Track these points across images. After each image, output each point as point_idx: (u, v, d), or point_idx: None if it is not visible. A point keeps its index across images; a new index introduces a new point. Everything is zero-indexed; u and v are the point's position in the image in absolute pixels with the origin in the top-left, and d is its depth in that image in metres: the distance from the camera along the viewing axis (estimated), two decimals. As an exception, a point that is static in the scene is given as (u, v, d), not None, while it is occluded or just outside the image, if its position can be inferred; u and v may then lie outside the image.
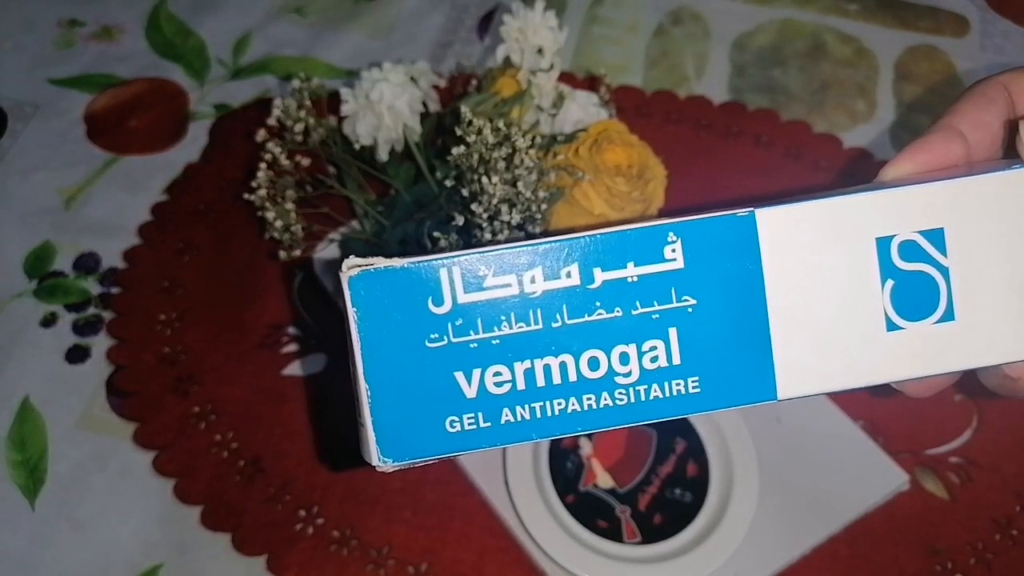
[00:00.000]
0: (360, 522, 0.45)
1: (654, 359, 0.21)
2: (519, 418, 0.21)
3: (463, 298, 0.21)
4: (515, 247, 0.21)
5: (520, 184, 0.41)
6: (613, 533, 0.43)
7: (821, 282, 0.22)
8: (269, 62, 0.62)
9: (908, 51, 0.63)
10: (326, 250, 0.52)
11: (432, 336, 0.21)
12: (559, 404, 0.21)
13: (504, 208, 0.42)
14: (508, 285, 0.21)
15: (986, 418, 0.47)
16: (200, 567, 0.44)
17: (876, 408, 0.47)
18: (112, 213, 0.55)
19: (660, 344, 0.21)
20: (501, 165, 0.41)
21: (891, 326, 0.22)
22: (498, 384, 0.21)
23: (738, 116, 0.59)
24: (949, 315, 0.22)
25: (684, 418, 0.45)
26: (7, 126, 0.59)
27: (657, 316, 0.21)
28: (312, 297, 0.51)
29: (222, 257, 0.53)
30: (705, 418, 0.46)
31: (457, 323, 0.21)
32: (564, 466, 0.45)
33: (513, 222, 0.42)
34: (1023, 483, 0.46)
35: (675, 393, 0.22)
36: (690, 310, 0.21)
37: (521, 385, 0.21)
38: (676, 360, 0.21)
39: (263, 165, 0.47)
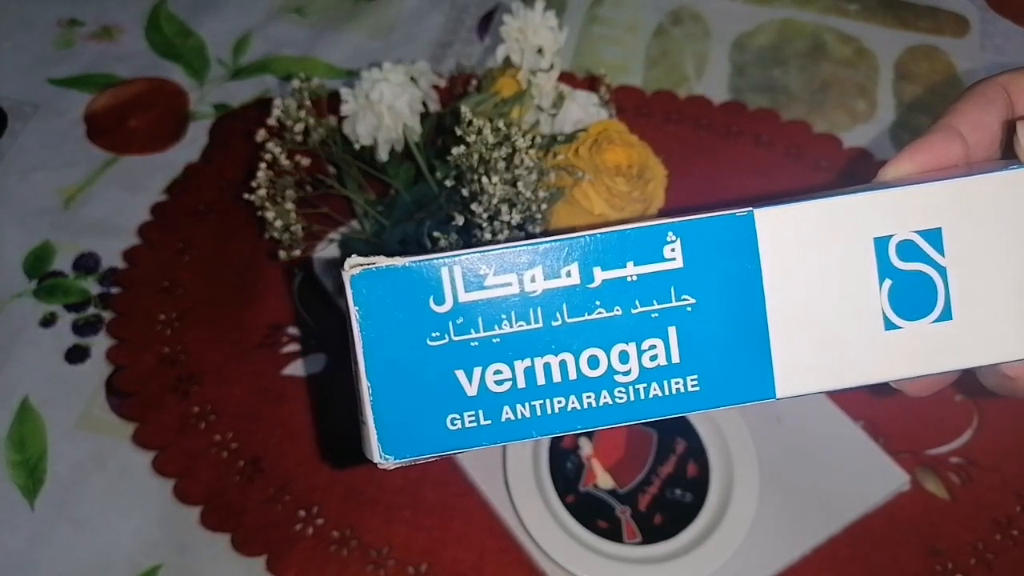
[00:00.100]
0: (360, 522, 0.45)
1: (653, 358, 0.22)
2: (519, 416, 0.22)
3: (464, 297, 0.21)
4: (515, 246, 0.21)
5: (520, 184, 0.41)
6: (613, 533, 0.43)
7: (819, 281, 0.22)
8: (269, 62, 0.62)
9: (908, 51, 0.63)
10: (326, 250, 0.52)
11: (433, 334, 0.21)
12: (559, 402, 0.22)
13: (504, 208, 0.41)
14: (509, 284, 0.21)
15: (986, 418, 0.47)
16: (200, 567, 0.43)
17: (876, 408, 0.47)
18: (112, 213, 0.55)
19: (659, 343, 0.22)
20: (501, 165, 0.41)
21: (889, 325, 0.22)
22: (499, 382, 0.21)
23: (738, 116, 0.59)
24: (947, 314, 0.22)
25: (684, 418, 0.46)
26: (7, 126, 0.59)
27: (656, 315, 0.21)
28: (312, 297, 0.51)
29: (222, 257, 0.53)
30: (705, 418, 0.46)
31: (458, 322, 0.21)
32: (564, 466, 0.45)
33: (513, 222, 0.42)
34: (1023, 483, 0.46)
35: (674, 391, 0.22)
36: (689, 309, 0.22)
37: (521, 383, 0.21)
38: (675, 359, 0.22)
39: (263, 165, 0.47)
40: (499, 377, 0.21)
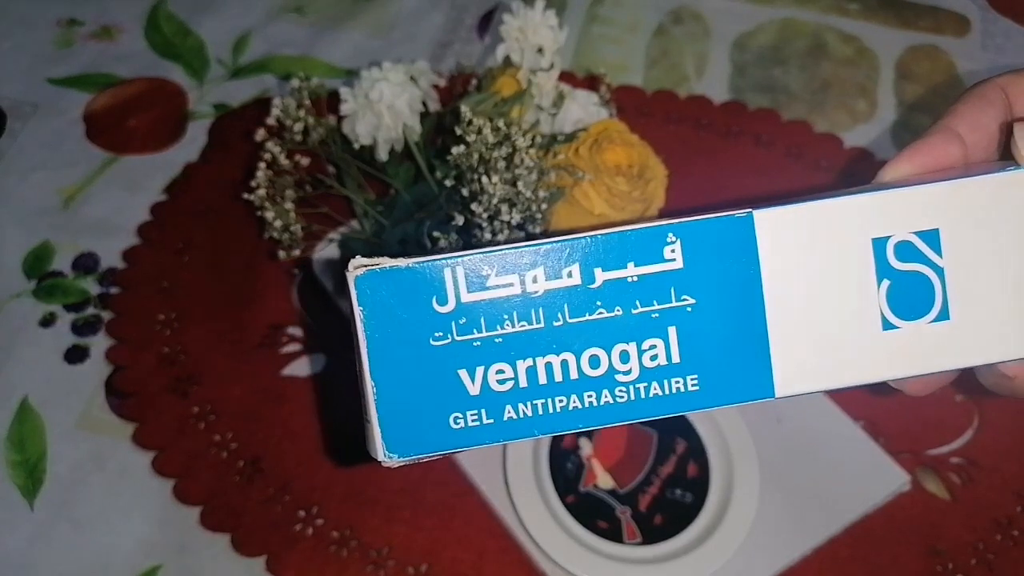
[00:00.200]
0: (360, 523, 0.44)
1: (654, 357, 0.22)
2: (521, 415, 0.22)
3: (467, 297, 0.21)
4: (517, 247, 0.21)
5: (520, 184, 0.41)
6: (613, 534, 0.43)
7: (818, 282, 0.22)
8: (268, 61, 0.62)
9: (909, 51, 0.63)
10: (326, 250, 0.52)
11: (436, 334, 0.21)
12: (560, 401, 0.22)
13: (504, 208, 0.41)
14: (511, 285, 0.21)
15: (987, 418, 0.47)
16: (199, 568, 0.43)
17: (877, 408, 0.47)
18: (111, 213, 0.55)
19: (660, 343, 0.22)
20: (501, 165, 0.41)
21: (887, 325, 0.22)
22: (501, 381, 0.22)
23: (738, 116, 0.59)
24: (944, 314, 0.22)
25: (684, 418, 0.46)
26: (6, 126, 0.59)
27: (657, 315, 0.22)
28: (312, 297, 0.51)
29: (222, 257, 0.53)
30: (706, 418, 0.46)
31: (461, 322, 0.21)
32: (564, 466, 0.45)
33: (513, 222, 0.42)
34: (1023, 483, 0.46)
35: (674, 391, 0.22)
36: (689, 309, 0.22)
37: (523, 383, 0.22)
38: (675, 358, 0.22)
39: (262, 165, 0.47)
40: (501, 376, 0.22)
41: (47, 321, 0.51)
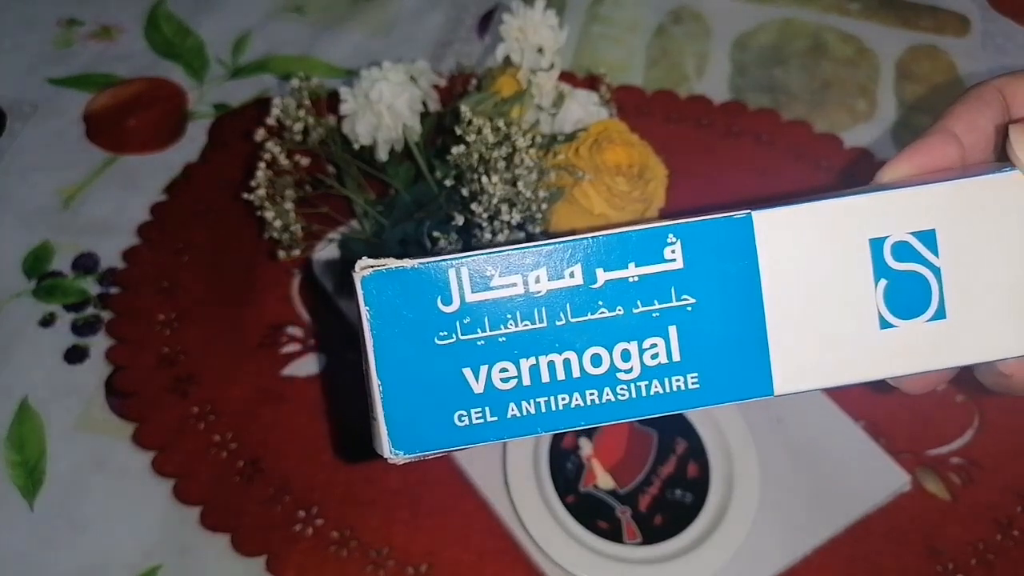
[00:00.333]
0: (360, 523, 0.44)
1: (655, 356, 0.22)
2: (524, 412, 0.22)
3: (471, 297, 0.22)
4: (521, 248, 0.22)
5: (520, 184, 0.41)
6: (613, 534, 0.43)
7: (816, 281, 0.22)
8: (268, 61, 0.62)
9: (909, 50, 0.63)
10: (325, 250, 0.52)
11: (441, 334, 0.22)
12: (563, 399, 0.22)
13: (504, 208, 0.41)
14: (514, 285, 0.22)
15: (987, 418, 0.47)
16: (199, 568, 0.43)
17: (877, 408, 0.47)
18: (111, 213, 0.55)
19: (660, 341, 0.22)
20: (501, 165, 0.41)
21: (884, 324, 0.23)
22: (504, 380, 0.22)
23: (739, 115, 0.59)
24: (941, 313, 0.23)
25: (685, 418, 0.46)
26: (6, 125, 0.59)
27: (657, 315, 0.22)
28: (312, 297, 0.51)
29: (221, 257, 0.53)
30: (706, 418, 0.46)
31: (465, 321, 0.22)
32: (564, 467, 0.45)
33: (513, 222, 0.42)
34: (1025, 483, 0.46)
35: (675, 389, 0.22)
36: (689, 309, 0.22)
37: (527, 381, 0.22)
38: (676, 357, 0.22)
39: (262, 165, 0.47)
40: (505, 375, 0.22)
41: (47, 321, 0.51)
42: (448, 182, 0.44)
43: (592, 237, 0.22)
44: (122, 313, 0.51)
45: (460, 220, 0.43)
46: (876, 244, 0.22)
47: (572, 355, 0.22)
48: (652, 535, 0.43)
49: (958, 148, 0.25)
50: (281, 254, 0.47)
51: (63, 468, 0.46)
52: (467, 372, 0.22)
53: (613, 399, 0.22)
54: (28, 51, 0.62)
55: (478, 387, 0.22)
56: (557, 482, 0.44)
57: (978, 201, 0.22)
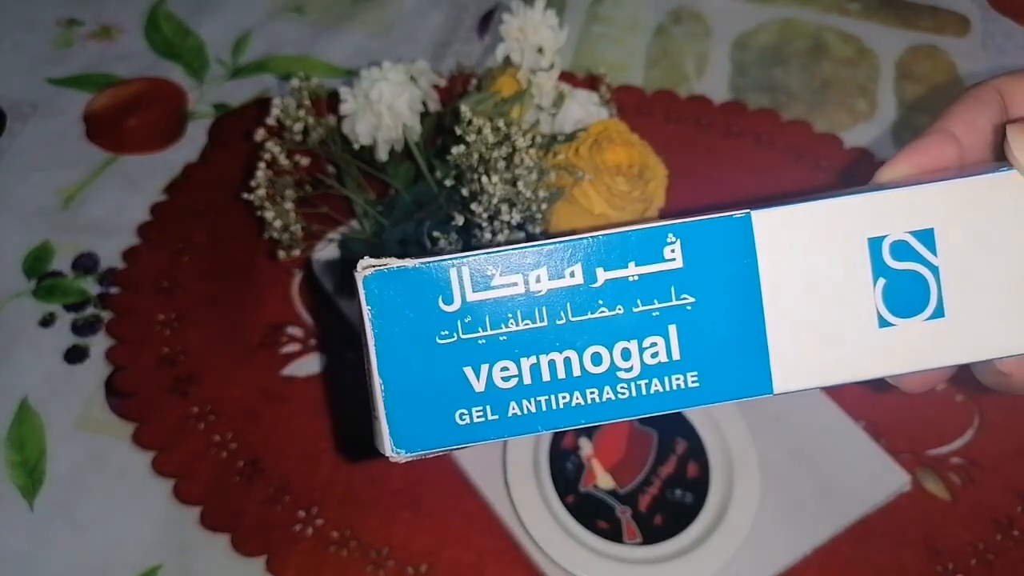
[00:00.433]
0: (359, 523, 0.44)
1: (654, 355, 0.22)
2: (525, 411, 0.22)
3: (472, 297, 0.22)
4: (521, 248, 0.22)
5: (520, 184, 0.41)
6: (613, 534, 0.43)
7: (815, 281, 0.23)
8: (268, 61, 0.62)
9: (909, 50, 0.63)
10: (326, 250, 0.52)
11: (442, 333, 0.22)
12: (563, 398, 0.22)
13: (504, 208, 0.41)
14: (515, 284, 0.22)
15: (987, 419, 0.47)
16: (199, 568, 0.43)
17: (877, 408, 0.47)
18: (111, 213, 0.55)
19: (660, 340, 0.22)
20: (501, 165, 0.41)
21: (883, 323, 0.23)
22: (505, 379, 0.22)
23: (739, 115, 0.59)
24: (939, 312, 0.23)
25: (685, 419, 0.46)
26: (6, 125, 0.59)
27: (657, 314, 0.22)
28: (312, 297, 0.51)
29: (221, 257, 0.53)
30: (706, 418, 0.46)
31: (466, 320, 0.22)
32: (564, 467, 0.45)
33: (513, 222, 0.42)
34: (1025, 483, 0.46)
35: (675, 387, 0.22)
36: (689, 308, 0.22)
37: (527, 380, 0.22)
38: (676, 356, 0.22)
39: (262, 165, 0.47)
40: (506, 374, 0.22)
41: (47, 321, 0.51)
42: (448, 182, 0.44)
43: (592, 237, 0.22)
44: (122, 313, 0.51)
45: (460, 220, 0.43)
46: (875, 243, 0.23)
47: (572, 354, 0.22)
48: (652, 535, 0.43)
49: (956, 148, 0.25)
50: (281, 254, 0.47)
51: (63, 468, 0.46)
52: (468, 371, 0.22)
53: (613, 398, 0.22)
54: (28, 51, 0.62)
55: (479, 386, 0.22)
56: (557, 482, 0.44)
57: (976, 200, 0.23)
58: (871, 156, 0.58)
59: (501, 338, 0.22)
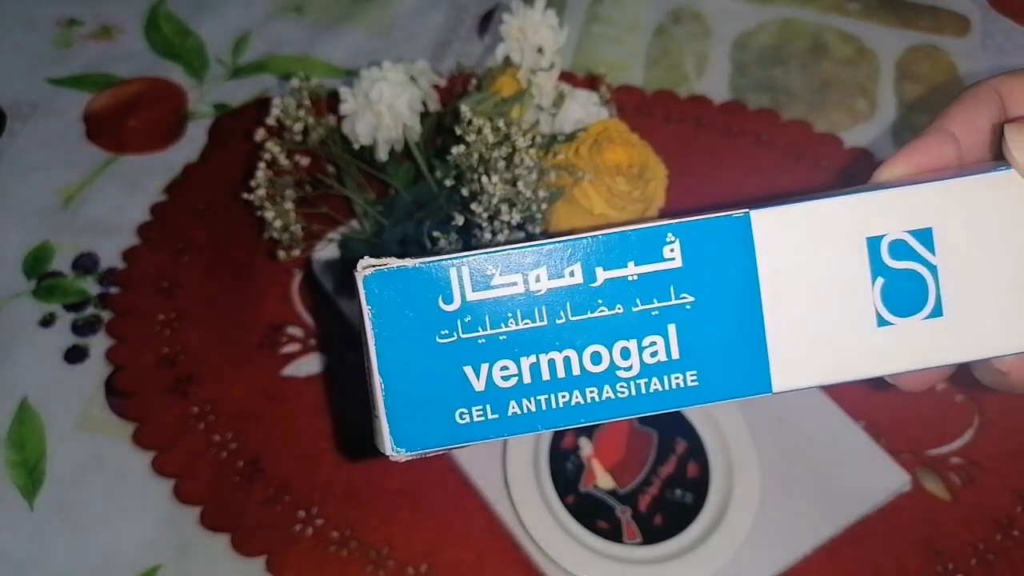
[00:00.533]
0: (359, 523, 0.44)
1: (654, 354, 0.22)
2: (525, 410, 0.22)
3: (472, 296, 0.22)
4: (521, 247, 0.22)
5: (520, 184, 0.41)
6: (613, 534, 0.43)
7: (814, 280, 0.23)
8: (268, 61, 0.62)
9: (909, 50, 0.63)
10: (326, 250, 0.52)
11: (442, 332, 0.22)
12: (563, 397, 0.22)
13: (504, 208, 0.41)
14: (514, 284, 0.22)
15: (987, 419, 0.47)
16: (199, 568, 0.43)
17: (877, 408, 0.47)
18: (111, 213, 0.55)
19: (660, 340, 0.22)
20: (501, 165, 0.41)
21: (881, 322, 0.23)
22: (505, 378, 0.22)
23: (739, 115, 0.59)
24: (937, 311, 0.23)
25: (685, 419, 0.46)
26: (6, 125, 0.59)
27: (657, 313, 0.22)
28: (312, 297, 0.51)
29: (221, 257, 0.53)
30: (706, 419, 0.46)
31: (466, 320, 0.22)
32: (564, 467, 0.45)
33: (513, 222, 0.42)
34: (1025, 483, 0.46)
35: (674, 386, 0.23)
36: (688, 307, 0.22)
37: (527, 379, 0.22)
38: (675, 355, 0.22)
39: (262, 165, 0.47)
40: (506, 373, 0.22)
41: (47, 321, 0.51)
42: (448, 182, 0.44)
43: (592, 236, 0.22)
44: (122, 313, 0.51)
45: (460, 220, 0.43)
46: (873, 243, 0.23)
47: (572, 353, 0.22)
48: (652, 535, 0.43)
49: (955, 147, 0.25)
50: (281, 254, 0.47)
51: (63, 468, 0.46)
52: (468, 370, 0.22)
53: (613, 397, 0.22)
54: (28, 51, 0.62)
55: (479, 385, 0.22)
56: (557, 482, 0.44)
57: (974, 200, 0.23)
58: (871, 156, 0.58)
59: (501, 337, 0.22)
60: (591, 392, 0.22)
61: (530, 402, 0.22)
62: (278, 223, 0.46)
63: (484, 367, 0.22)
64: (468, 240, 0.43)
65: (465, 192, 0.42)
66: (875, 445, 0.46)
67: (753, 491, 0.44)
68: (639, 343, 0.22)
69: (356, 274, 0.22)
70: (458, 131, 0.42)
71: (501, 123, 0.42)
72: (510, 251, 0.22)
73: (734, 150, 0.58)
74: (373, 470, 0.46)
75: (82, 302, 0.51)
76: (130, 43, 0.63)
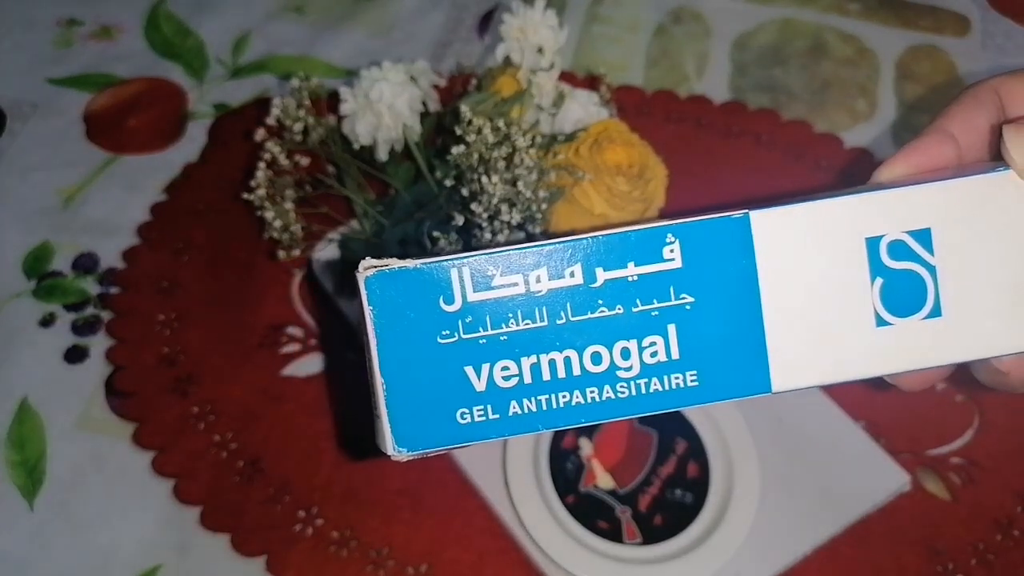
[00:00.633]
0: (360, 523, 0.44)
1: (654, 354, 0.22)
2: (525, 410, 0.23)
3: (472, 297, 0.22)
4: (521, 248, 0.22)
5: (520, 184, 0.41)
6: (613, 534, 0.43)
7: (813, 280, 0.23)
8: (268, 61, 0.62)
9: (909, 50, 0.63)
10: (326, 250, 0.52)
11: (443, 333, 0.22)
12: (563, 397, 0.23)
13: (504, 208, 0.41)
14: (515, 284, 0.22)
15: (987, 419, 0.47)
16: (199, 568, 0.43)
17: (877, 408, 0.47)
18: (111, 213, 0.55)
19: (660, 340, 0.22)
20: (501, 165, 0.41)
21: (880, 322, 0.23)
22: (506, 378, 0.22)
23: (739, 115, 0.59)
24: (936, 311, 0.23)
25: (685, 419, 0.46)
26: (6, 125, 0.59)
27: (657, 313, 0.22)
28: (312, 297, 0.51)
29: (221, 257, 0.53)
30: (706, 419, 0.46)
31: (467, 320, 0.22)
32: (564, 467, 0.45)
33: (513, 222, 0.42)
34: (1025, 483, 0.46)
35: (674, 386, 0.23)
36: (688, 307, 0.22)
37: (528, 379, 0.22)
38: (675, 355, 0.23)
39: (262, 165, 0.47)
40: (506, 373, 0.22)
41: (47, 321, 0.51)
42: (448, 182, 0.44)
43: (592, 237, 0.22)
44: (122, 313, 0.51)
45: (460, 220, 0.43)
46: (872, 243, 0.23)
47: (572, 353, 0.22)
48: (652, 535, 0.43)
49: (954, 148, 0.25)
50: (281, 254, 0.47)
51: (63, 468, 0.46)
52: (469, 370, 0.22)
53: (613, 397, 0.23)
54: (28, 51, 0.62)
55: (480, 385, 0.22)
56: (557, 482, 0.44)
57: (973, 200, 0.23)
58: (871, 156, 0.58)
59: (502, 338, 0.22)
60: (591, 392, 0.23)
61: (531, 402, 0.22)
62: (278, 223, 0.46)
63: (485, 367, 0.22)
64: (468, 240, 0.43)
65: (465, 192, 0.42)
66: (875, 445, 0.46)
67: (753, 491, 0.44)
68: (639, 343, 0.22)
69: (358, 275, 0.22)
70: (458, 131, 0.42)
71: (501, 123, 0.42)
72: (511, 252, 0.22)
73: (734, 150, 0.58)
74: (373, 470, 0.46)
75: (82, 302, 0.51)
76: (130, 43, 0.63)
